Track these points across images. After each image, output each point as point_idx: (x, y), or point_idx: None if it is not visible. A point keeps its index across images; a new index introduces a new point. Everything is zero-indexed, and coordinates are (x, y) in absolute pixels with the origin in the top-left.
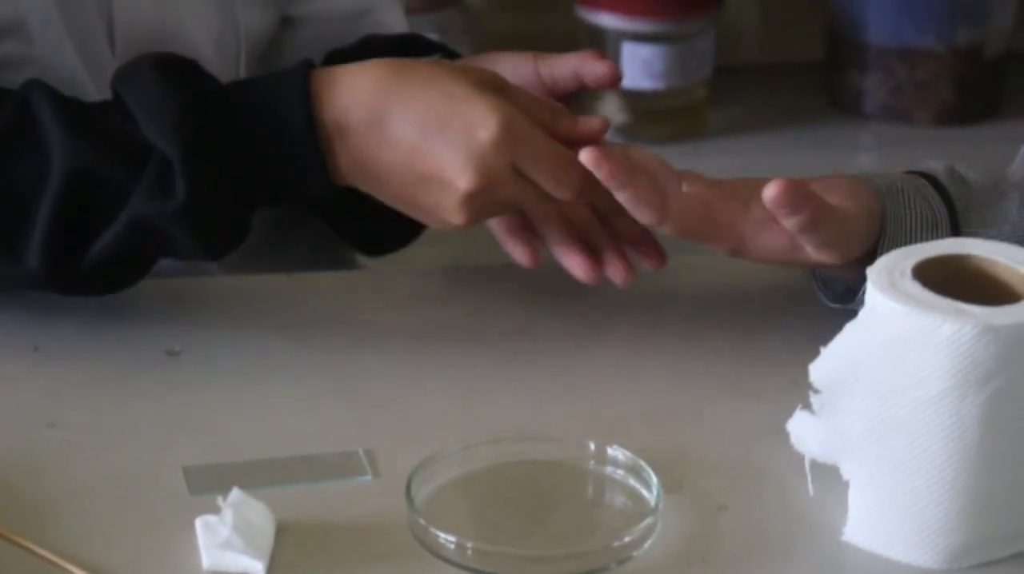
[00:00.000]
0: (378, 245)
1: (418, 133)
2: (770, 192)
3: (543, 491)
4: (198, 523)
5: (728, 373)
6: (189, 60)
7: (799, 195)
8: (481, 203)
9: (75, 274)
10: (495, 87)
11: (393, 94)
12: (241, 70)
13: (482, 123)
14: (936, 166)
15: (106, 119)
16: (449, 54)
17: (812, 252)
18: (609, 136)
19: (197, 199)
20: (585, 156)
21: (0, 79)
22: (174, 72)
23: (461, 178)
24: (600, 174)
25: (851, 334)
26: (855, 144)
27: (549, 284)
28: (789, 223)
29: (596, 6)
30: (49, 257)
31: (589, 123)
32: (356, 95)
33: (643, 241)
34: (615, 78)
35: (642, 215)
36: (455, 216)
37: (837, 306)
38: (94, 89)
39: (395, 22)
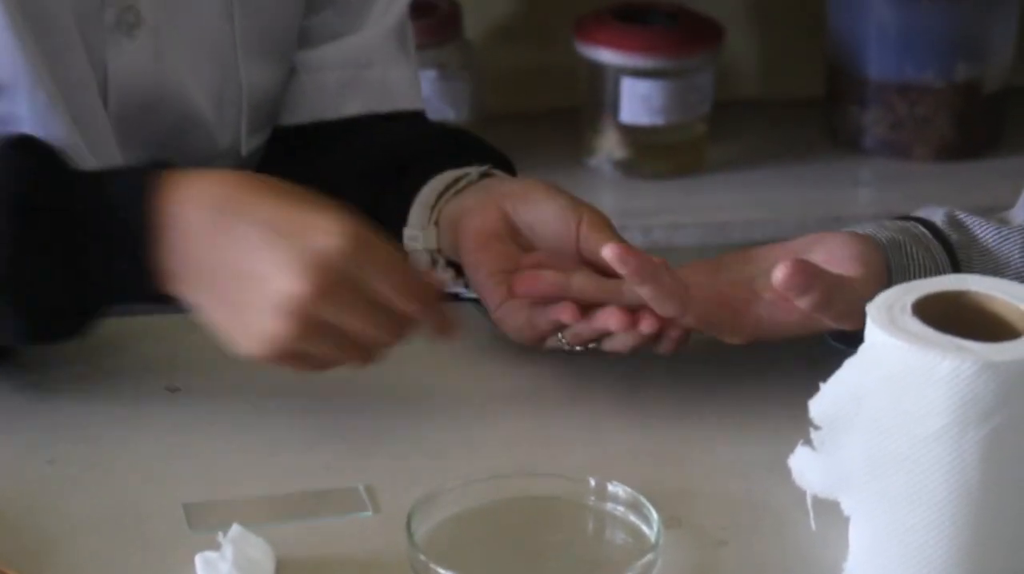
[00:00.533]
0: None
1: (260, 231)
2: (779, 276)
3: (543, 527)
4: (198, 559)
5: (728, 409)
6: (52, 145)
7: (807, 275)
8: (304, 312)
9: None
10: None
11: (244, 196)
12: (243, 125)
13: (327, 231)
14: (935, 214)
15: None
16: (498, 162)
17: (829, 322)
18: (609, 171)
19: (18, 273)
20: (609, 253)
21: None
22: (30, 152)
23: (295, 281)
24: (624, 269)
25: (851, 370)
26: (855, 179)
27: None
28: (802, 303)
29: (596, 42)
30: None
31: (433, 275)
32: (204, 194)
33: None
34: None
35: (666, 307)
36: (273, 317)
37: (840, 346)
38: (86, 146)
39: (399, 77)
